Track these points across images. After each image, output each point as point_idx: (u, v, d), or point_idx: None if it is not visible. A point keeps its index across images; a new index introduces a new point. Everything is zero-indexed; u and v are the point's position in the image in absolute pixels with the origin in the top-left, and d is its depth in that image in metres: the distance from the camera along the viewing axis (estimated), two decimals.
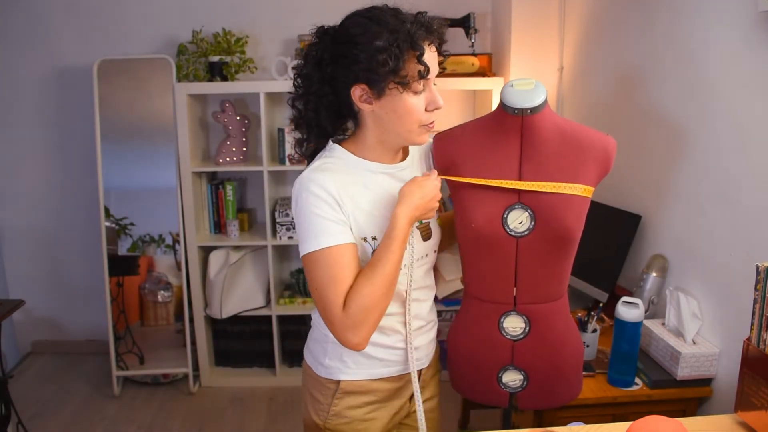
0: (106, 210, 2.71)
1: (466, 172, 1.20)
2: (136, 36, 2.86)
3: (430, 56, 1.04)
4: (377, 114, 1.08)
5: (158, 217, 2.74)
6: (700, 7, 1.64)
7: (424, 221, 1.18)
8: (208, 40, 2.73)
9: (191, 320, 2.83)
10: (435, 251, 1.25)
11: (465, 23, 2.68)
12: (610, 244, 2.01)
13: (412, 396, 1.27)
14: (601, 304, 1.86)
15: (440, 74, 1.12)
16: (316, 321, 1.25)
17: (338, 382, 1.20)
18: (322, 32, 1.09)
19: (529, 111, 1.15)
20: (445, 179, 1.22)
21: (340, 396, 1.20)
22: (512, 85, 1.18)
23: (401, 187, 1.12)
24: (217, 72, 2.66)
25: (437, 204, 1.15)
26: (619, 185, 2.10)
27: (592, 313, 1.75)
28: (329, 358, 1.20)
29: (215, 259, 2.76)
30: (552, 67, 2.57)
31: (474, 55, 2.65)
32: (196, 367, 2.86)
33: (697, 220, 1.68)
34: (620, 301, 1.60)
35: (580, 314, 1.81)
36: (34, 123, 2.97)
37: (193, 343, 2.84)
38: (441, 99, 1.08)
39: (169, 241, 2.76)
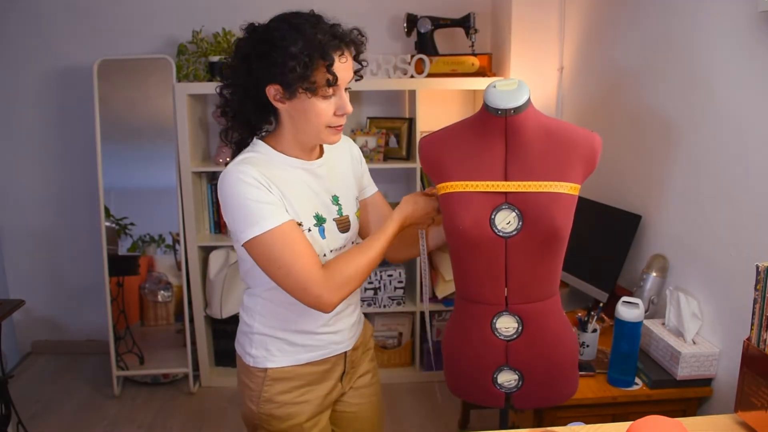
0: (106, 210, 2.71)
1: (454, 174, 1.21)
2: (136, 36, 2.86)
3: (341, 66, 1.10)
4: (290, 113, 1.15)
5: (158, 217, 2.74)
6: (700, 8, 1.64)
7: (343, 213, 1.25)
8: (208, 40, 2.73)
9: (191, 320, 2.83)
10: (353, 242, 1.31)
11: (465, 23, 2.68)
12: (610, 244, 2.01)
13: (342, 376, 1.33)
14: (601, 304, 1.86)
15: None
16: (243, 313, 1.31)
17: (266, 369, 1.25)
18: (251, 29, 1.15)
19: (512, 111, 1.16)
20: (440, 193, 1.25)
21: (269, 383, 1.25)
22: (495, 86, 1.18)
23: (405, 196, 1.28)
24: (217, 72, 2.66)
25: (429, 219, 1.30)
26: (619, 185, 2.10)
27: (592, 313, 1.75)
28: (255, 348, 1.26)
29: (215, 259, 2.76)
30: (552, 67, 2.57)
31: (474, 55, 2.64)
32: (196, 367, 2.86)
33: (697, 220, 1.68)
34: (620, 301, 1.60)
35: (580, 314, 1.81)
36: (34, 123, 2.97)
37: (193, 343, 2.84)
38: (350, 105, 1.16)
39: (169, 241, 2.76)
